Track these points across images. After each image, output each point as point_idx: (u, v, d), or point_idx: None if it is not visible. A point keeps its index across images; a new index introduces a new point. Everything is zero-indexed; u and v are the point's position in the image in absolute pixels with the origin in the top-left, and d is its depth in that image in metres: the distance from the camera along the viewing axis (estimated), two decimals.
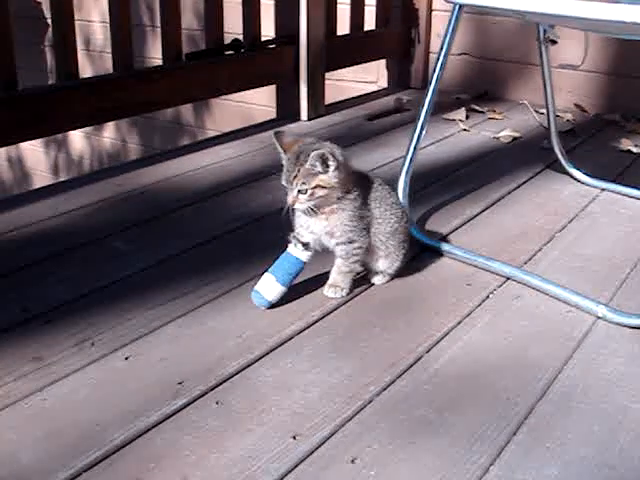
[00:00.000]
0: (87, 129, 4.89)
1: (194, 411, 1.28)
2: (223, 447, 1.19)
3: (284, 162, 1.58)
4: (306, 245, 1.62)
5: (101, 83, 2.49)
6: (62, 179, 5.21)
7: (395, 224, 1.67)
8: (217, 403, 1.30)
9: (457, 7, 1.93)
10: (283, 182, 1.57)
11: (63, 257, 1.85)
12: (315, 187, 1.55)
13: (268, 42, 3.02)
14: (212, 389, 1.34)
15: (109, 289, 1.70)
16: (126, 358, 1.43)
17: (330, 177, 1.55)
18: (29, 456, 1.18)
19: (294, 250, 1.62)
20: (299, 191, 1.55)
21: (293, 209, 1.58)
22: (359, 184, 1.63)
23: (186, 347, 1.47)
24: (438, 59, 1.98)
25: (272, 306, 1.61)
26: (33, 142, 5.15)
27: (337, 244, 1.63)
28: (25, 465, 1.16)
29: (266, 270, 1.61)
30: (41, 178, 5.33)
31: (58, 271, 1.78)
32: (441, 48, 1.98)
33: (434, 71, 1.98)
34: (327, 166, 1.54)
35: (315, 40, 3.02)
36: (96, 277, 1.74)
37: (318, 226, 1.61)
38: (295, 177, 1.55)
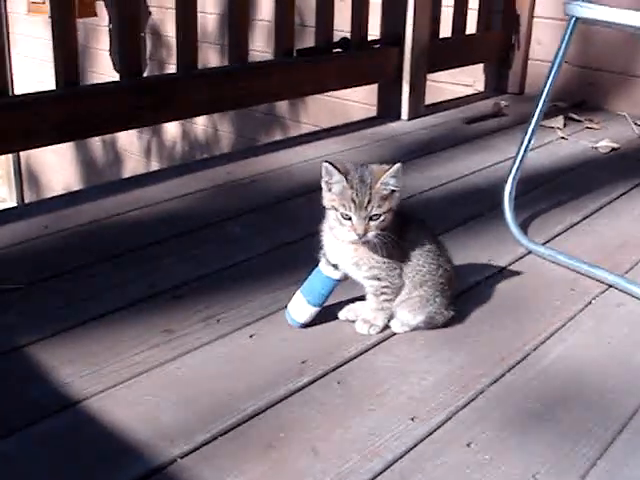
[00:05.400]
0: None
1: (318, 389, 1.38)
2: (347, 424, 1.29)
3: (343, 187, 1.41)
4: (336, 266, 1.51)
5: (217, 75, 2.62)
6: (154, 163, 5.40)
7: (426, 274, 1.50)
8: (338, 383, 1.40)
9: (573, 20, 1.98)
10: (348, 211, 1.40)
11: (184, 238, 1.98)
12: (388, 211, 1.41)
13: (374, 42, 3.11)
14: (333, 370, 1.44)
15: (230, 270, 1.81)
16: (250, 336, 1.54)
17: (397, 198, 1.43)
18: (169, 418, 1.29)
19: (325, 268, 1.52)
20: (371, 217, 1.40)
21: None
22: (395, 220, 1.45)
23: (306, 330, 1.57)
24: (551, 69, 2.03)
25: None
26: None
27: (364, 278, 1.50)
28: (167, 425, 1.27)
29: (299, 287, 1.57)
30: (133, 161, 5.49)
31: (181, 251, 1.90)
32: (555, 59, 2.03)
33: (546, 81, 2.03)
34: (397, 185, 1.41)
35: (420, 42, 3.10)
36: (217, 258, 1.86)
37: (345, 256, 1.48)
38: (369, 201, 1.39)
